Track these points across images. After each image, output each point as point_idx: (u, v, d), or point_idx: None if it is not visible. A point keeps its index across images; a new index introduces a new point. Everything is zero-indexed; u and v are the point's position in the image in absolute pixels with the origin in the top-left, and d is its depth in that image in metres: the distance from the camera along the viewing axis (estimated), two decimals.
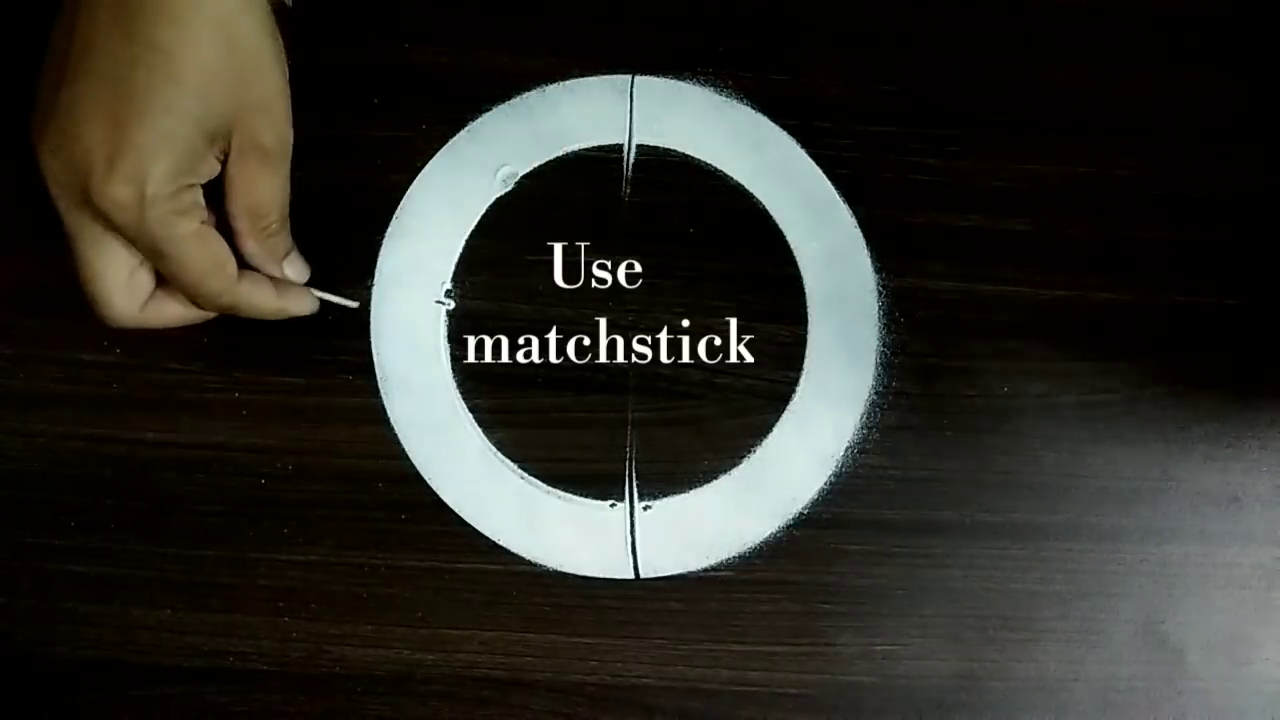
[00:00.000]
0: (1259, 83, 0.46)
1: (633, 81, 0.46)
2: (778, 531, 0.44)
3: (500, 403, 0.45)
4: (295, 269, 0.43)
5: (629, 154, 0.46)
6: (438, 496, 0.44)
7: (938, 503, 0.45)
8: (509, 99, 0.46)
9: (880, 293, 0.45)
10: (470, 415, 0.45)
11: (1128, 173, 0.46)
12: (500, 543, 0.44)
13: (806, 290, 0.45)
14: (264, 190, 0.40)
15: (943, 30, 0.46)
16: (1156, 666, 0.44)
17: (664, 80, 0.46)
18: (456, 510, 0.44)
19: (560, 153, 0.45)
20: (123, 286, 0.39)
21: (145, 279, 0.39)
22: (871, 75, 0.46)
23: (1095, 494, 0.45)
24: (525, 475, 0.45)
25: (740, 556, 0.44)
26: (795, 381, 0.45)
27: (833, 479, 0.45)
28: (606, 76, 0.46)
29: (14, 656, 0.44)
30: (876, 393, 0.45)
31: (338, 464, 0.45)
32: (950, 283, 0.45)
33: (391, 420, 0.45)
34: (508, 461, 0.45)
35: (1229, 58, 0.46)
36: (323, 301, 0.44)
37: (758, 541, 0.44)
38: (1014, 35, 0.46)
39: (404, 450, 0.45)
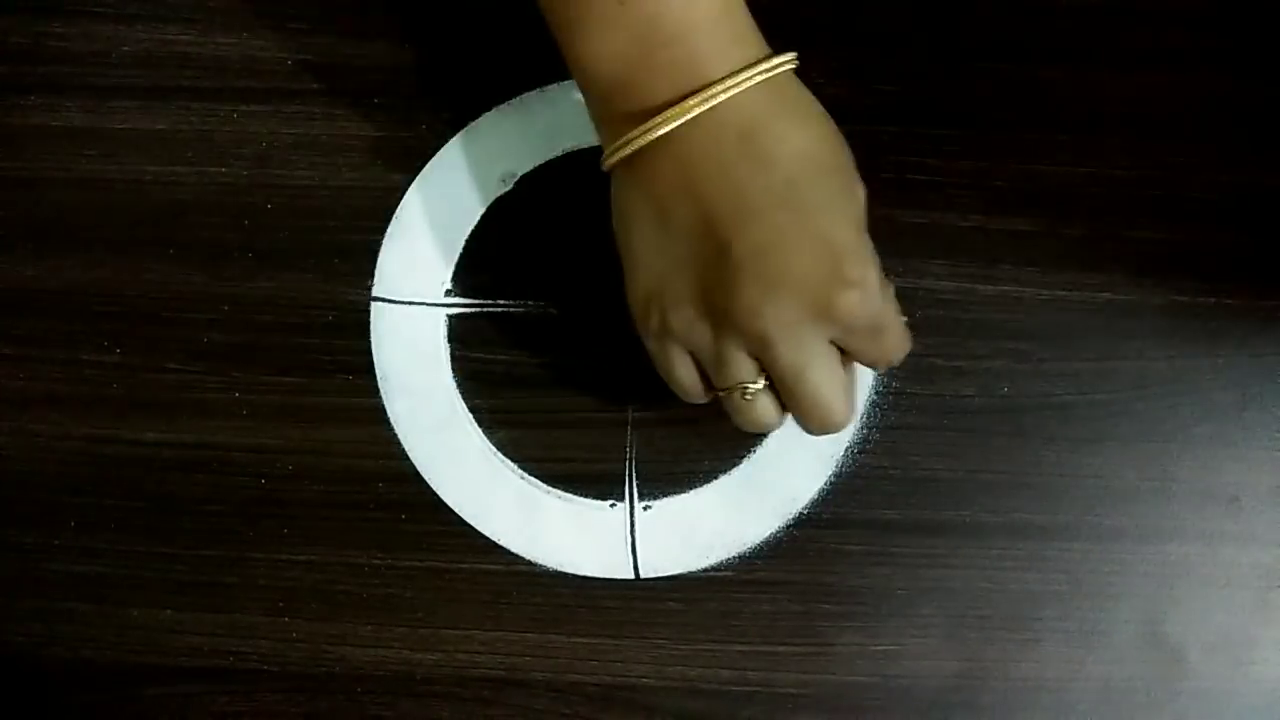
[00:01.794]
0: (1259, 83, 0.46)
1: None
2: (778, 531, 0.44)
3: (500, 403, 0.45)
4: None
5: None
6: (438, 496, 0.44)
7: (938, 503, 0.45)
8: (509, 99, 0.46)
9: None
10: (470, 415, 0.45)
11: (1128, 173, 0.46)
12: (500, 543, 0.44)
13: None
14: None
15: (943, 30, 0.46)
16: (1156, 666, 0.44)
17: None
18: (456, 510, 0.44)
19: (560, 153, 0.45)
20: (849, 390, 0.38)
21: (848, 376, 0.38)
22: (871, 75, 0.46)
23: (1095, 494, 0.45)
24: (525, 475, 0.45)
25: (740, 556, 0.44)
26: None
27: (833, 479, 0.45)
28: None
29: (14, 656, 0.44)
30: (876, 393, 0.45)
31: (338, 464, 0.45)
32: (950, 283, 0.45)
33: (391, 420, 0.45)
34: (508, 461, 0.45)
35: (1229, 58, 0.46)
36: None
37: (758, 541, 0.44)
38: (1014, 35, 0.46)
39: (404, 450, 0.45)
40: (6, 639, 0.44)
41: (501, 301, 0.45)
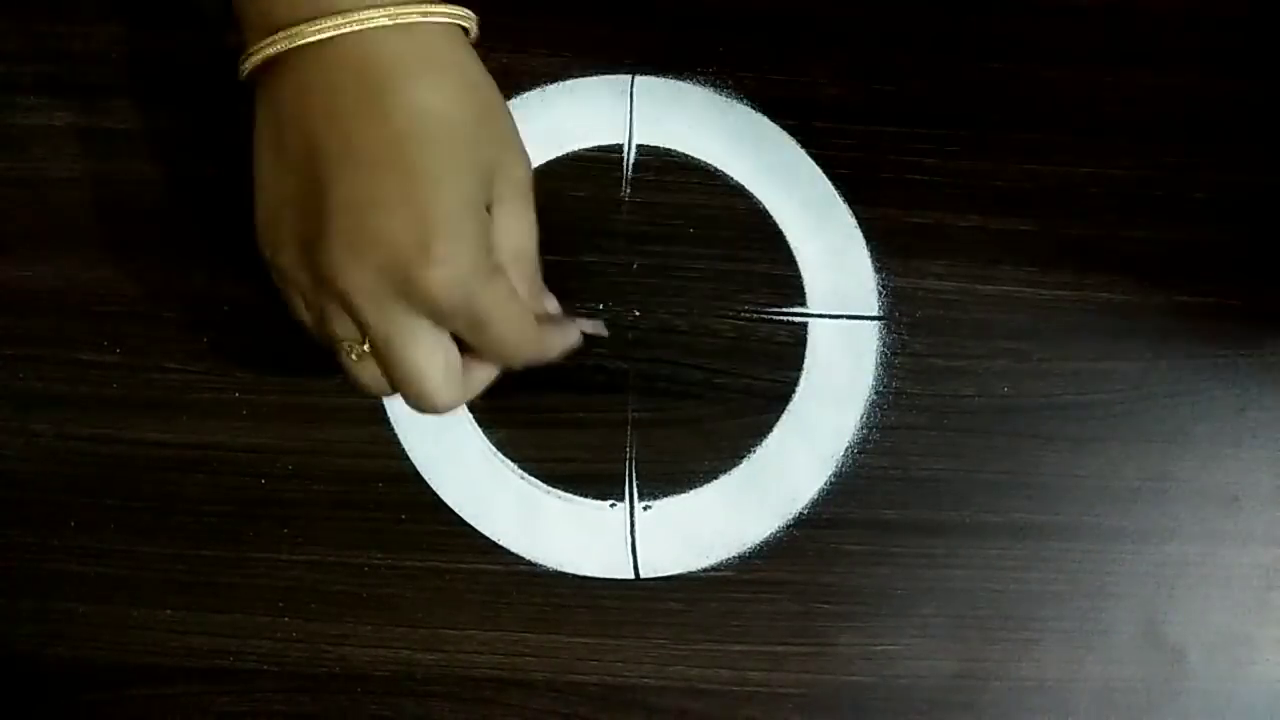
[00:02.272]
0: (1259, 83, 0.46)
1: (633, 81, 0.46)
2: (778, 531, 0.44)
3: (500, 403, 0.45)
4: (553, 302, 0.40)
5: (629, 154, 0.46)
6: (438, 496, 0.44)
7: (938, 503, 0.45)
8: (509, 99, 0.46)
9: (880, 293, 0.45)
10: (470, 415, 0.45)
11: (1128, 173, 0.46)
12: (500, 543, 0.44)
13: (806, 290, 0.45)
14: (525, 230, 0.37)
15: (943, 30, 0.46)
16: (1156, 666, 0.44)
17: (664, 80, 0.46)
18: (456, 510, 0.44)
19: (560, 153, 0.45)
20: (449, 372, 0.36)
21: (456, 357, 0.36)
22: (871, 75, 0.46)
23: (1095, 494, 0.45)
24: (525, 475, 0.45)
25: (740, 556, 0.44)
26: (795, 381, 0.45)
27: (833, 479, 0.45)
28: (606, 76, 0.46)
29: (14, 656, 0.44)
30: (876, 393, 0.45)
31: (338, 464, 0.45)
32: (950, 283, 0.45)
33: (391, 420, 0.45)
34: (508, 461, 0.45)
35: (1229, 58, 0.46)
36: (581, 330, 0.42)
37: (758, 541, 0.44)
38: (1014, 35, 0.46)
39: (404, 450, 0.45)
40: (6, 639, 0.44)
41: None
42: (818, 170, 0.45)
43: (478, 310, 0.35)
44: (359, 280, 0.34)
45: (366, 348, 0.35)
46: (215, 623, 0.44)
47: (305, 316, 0.37)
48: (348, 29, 0.33)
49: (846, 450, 0.45)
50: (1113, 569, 0.44)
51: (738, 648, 0.44)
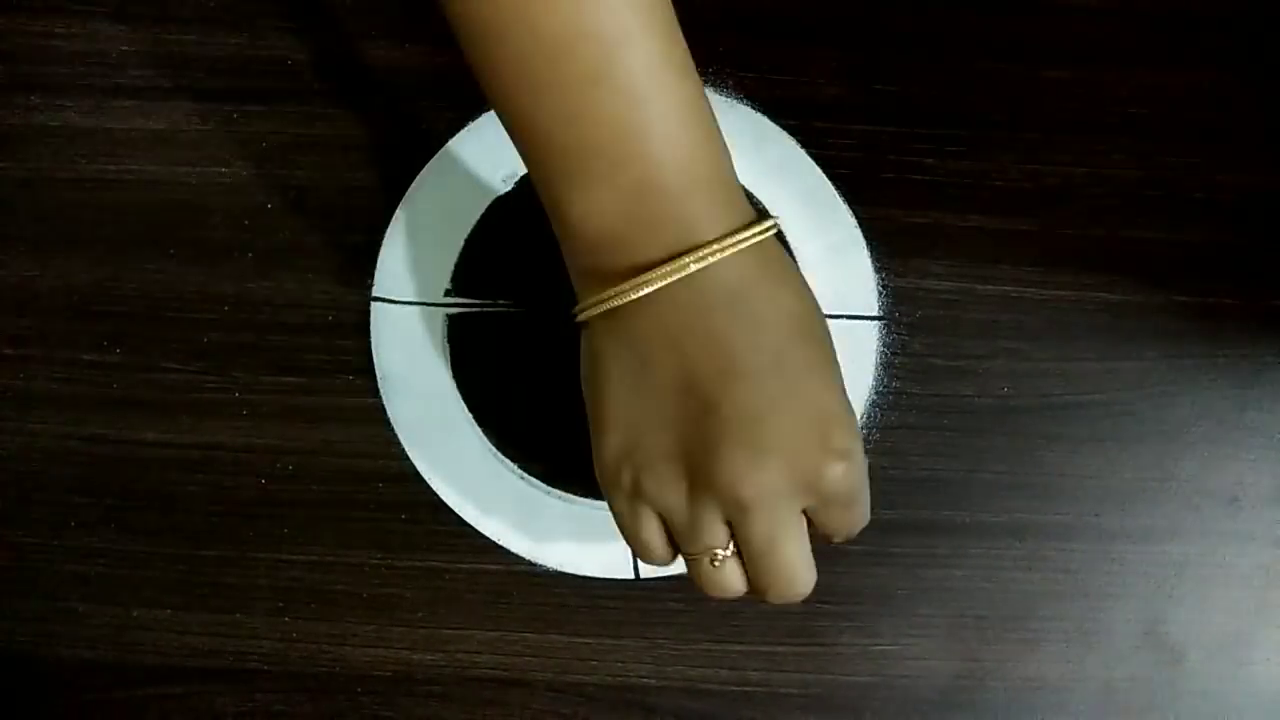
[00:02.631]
0: (1258, 83, 0.46)
1: None
2: None
3: (500, 403, 0.45)
4: None
5: None
6: (438, 496, 0.44)
7: (938, 503, 0.45)
8: None
9: (880, 293, 0.45)
10: (470, 415, 0.45)
11: (1128, 173, 0.46)
12: (500, 543, 0.44)
13: None
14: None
15: (943, 30, 0.46)
16: (1156, 666, 0.44)
17: None
18: (456, 510, 0.44)
19: None
20: (811, 559, 0.36)
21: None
22: (871, 75, 0.46)
23: (1095, 494, 0.45)
24: (525, 475, 0.45)
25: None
26: None
27: None
28: None
29: (14, 656, 0.44)
30: (876, 393, 0.45)
31: (338, 464, 0.45)
32: (950, 283, 0.45)
33: (391, 420, 0.45)
34: (508, 461, 0.45)
35: (1229, 58, 0.46)
36: None
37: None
38: (1014, 35, 0.46)
39: (404, 450, 0.45)
40: (6, 639, 0.44)
41: (501, 301, 0.45)
42: (818, 170, 0.45)
43: (858, 492, 0.35)
44: (762, 484, 0.34)
45: (729, 551, 0.36)
46: (215, 623, 0.44)
47: (654, 537, 0.36)
48: (721, 256, 0.34)
49: None
50: (1113, 569, 0.44)
51: (738, 648, 0.44)
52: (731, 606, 0.44)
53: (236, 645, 0.44)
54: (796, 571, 0.36)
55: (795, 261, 0.37)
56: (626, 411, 0.36)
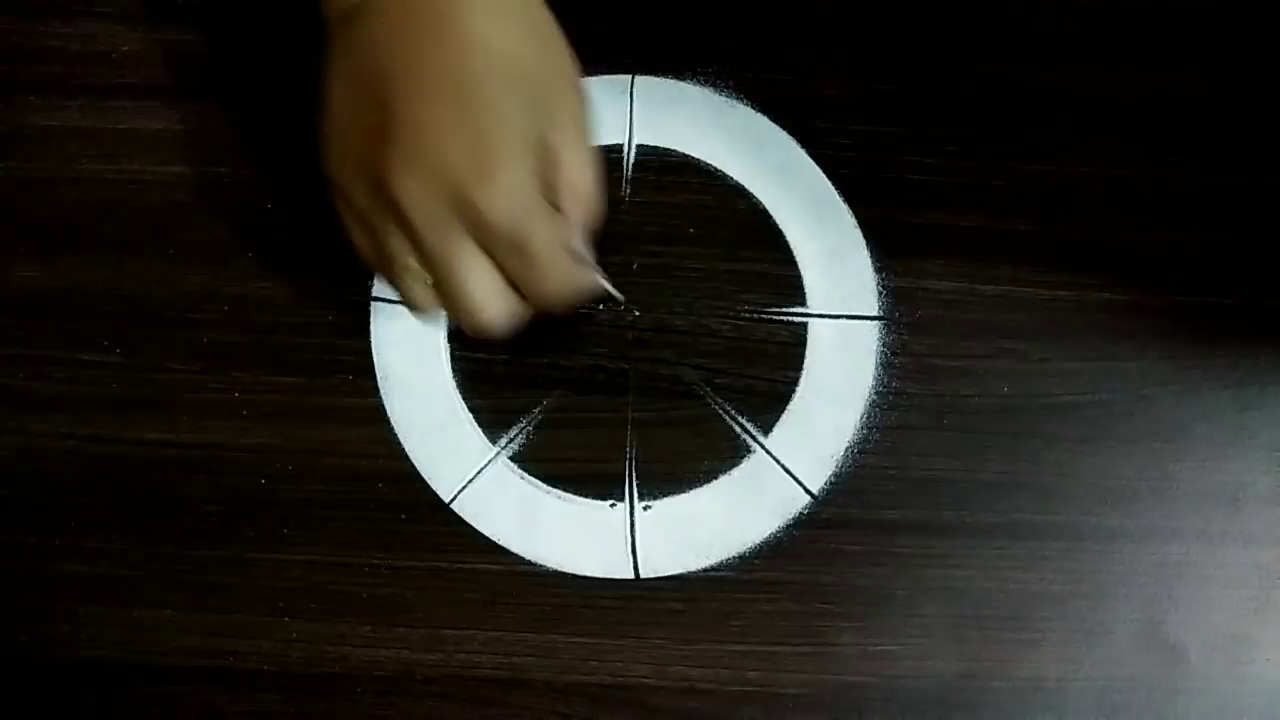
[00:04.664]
0: (1259, 83, 0.46)
1: (633, 81, 0.46)
2: (778, 531, 0.44)
3: (500, 403, 0.45)
4: (585, 248, 0.40)
5: (629, 154, 0.46)
6: (438, 496, 0.44)
7: (938, 503, 0.45)
8: None
9: (880, 293, 0.45)
10: (470, 415, 0.45)
11: (1128, 173, 0.46)
12: (500, 543, 0.44)
13: (806, 290, 0.45)
14: (580, 166, 0.38)
15: (943, 30, 0.46)
16: (1156, 666, 0.44)
17: (664, 80, 0.46)
18: (456, 510, 0.44)
19: None
20: (501, 293, 0.38)
21: (504, 283, 0.38)
22: (871, 75, 0.46)
23: (1095, 494, 0.45)
24: (525, 475, 0.45)
25: (740, 556, 0.44)
26: (795, 381, 0.45)
27: (833, 479, 0.45)
28: (606, 76, 0.46)
29: (14, 656, 0.44)
30: (876, 393, 0.45)
31: (338, 464, 0.45)
32: (950, 283, 0.45)
33: (391, 420, 0.45)
34: (508, 462, 0.45)
35: (1228, 58, 0.46)
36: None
37: (758, 541, 0.44)
38: (1014, 35, 0.46)
39: (404, 450, 0.45)
40: (6, 639, 0.44)
41: None
42: (818, 170, 0.45)
43: (526, 240, 0.36)
44: (418, 197, 0.35)
45: (415, 262, 0.37)
46: (215, 623, 0.44)
47: (360, 239, 0.39)
48: None
49: (846, 450, 0.45)
50: (1113, 569, 0.44)
51: (738, 648, 0.44)
52: (731, 607, 0.44)
53: (236, 645, 0.44)
54: (471, 297, 0.37)
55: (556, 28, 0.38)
56: (338, 105, 0.38)
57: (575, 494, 0.45)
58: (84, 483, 0.45)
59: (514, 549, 0.44)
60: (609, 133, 0.46)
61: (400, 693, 0.44)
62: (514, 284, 0.38)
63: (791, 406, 0.45)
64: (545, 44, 0.38)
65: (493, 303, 0.37)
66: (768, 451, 0.45)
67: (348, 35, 0.38)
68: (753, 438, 0.45)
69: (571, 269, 0.38)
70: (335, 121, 0.38)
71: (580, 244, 0.39)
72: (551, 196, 0.37)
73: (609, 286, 0.41)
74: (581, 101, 0.39)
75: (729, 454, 0.45)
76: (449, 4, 0.36)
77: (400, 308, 0.45)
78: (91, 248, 0.45)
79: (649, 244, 0.45)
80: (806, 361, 0.45)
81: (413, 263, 0.37)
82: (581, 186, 0.38)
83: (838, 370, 0.45)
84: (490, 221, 0.36)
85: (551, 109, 0.37)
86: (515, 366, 0.45)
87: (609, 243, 0.45)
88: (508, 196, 0.36)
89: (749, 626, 0.44)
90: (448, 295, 0.37)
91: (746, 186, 0.46)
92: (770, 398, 0.45)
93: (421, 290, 0.38)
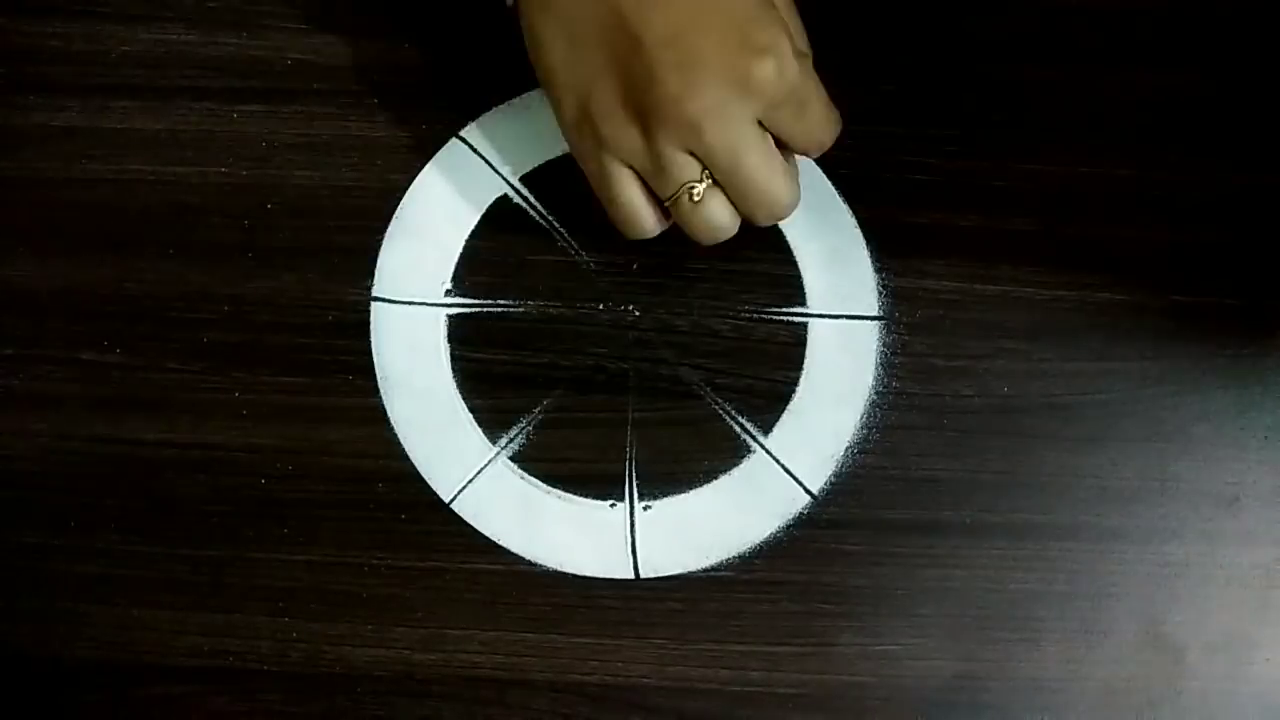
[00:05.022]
0: (1257, 82, 0.46)
1: None
2: (778, 531, 0.44)
3: (500, 403, 0.45)
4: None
5: None
6: (438, 496, 0.44)
7: (938, 503, 0.45)
8: (509, 99, 0.46)
9: (880, 293, 0.45)
10: (470, 415, 0.45)
11: (1128, 173, 0.46)
12: (500, 543, 0.44)
13: (806, 290, 0.45)
14: (800, 26, 0.40)
15: (943, 30, 0.46)
16: (1156, 666, 0.44)
17: None
18: (456, 510, 0.44)
19: (560, 153, 0.45)
20: (789, 169, 0.39)
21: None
22: (871, 75, 0.46)
23: (1095, 494, 0.45)
24: (525, 475, 0.45)
25: (740, 556, 0.44)
26: (795, 381, 0.45)
27: (833, 479, 0.45)
28: None
29: (14, 656, 0.44)
30: (876, 393, 0.45)
31: (338, 464, 0.45)
32: (950, 283, 0.45)
33: (391, 420, 0.45)
34: (508, 461, 0.45)
35: (1228, 58, 0.46)
36: None
37: (758, 541, 0.44)
38: (1013, 35, 0.46)
39: (404, 450, 0.45)
40: (6, 639, 0.44)
41: (501, 301, 0.45)
42: (818, 170, 0.45)
43: (803, 90, 0.37)
44: (702, 99, 0.36)
45: (707, 183, 0.38)
46: (215, 623, 0.44)
47: (629, 191, 0.39)
48: None
49: (846, 450, 0.45)
50: (1113, 569, 0.44)
51: (738, 648, 0.44)
52: (731, 607, 0.44)
53: (236, 645, 0.44)
54: (769, 179, 0.38)
55: None
56: (570, 73, 0.38)
57: (575, 494, 0.45)
58: (84, 483, 0.45)
59: (514, 549, 0.44)
60: None
61: (400, 693, 0.44)
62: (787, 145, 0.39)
63: (791, 406, 0.45)
64: None
65: (788, 179, 0.38)
66: (768, 451, 0.45)
67: (550, 4, 0.38)
68: (753, 438, 0.45)
69: (830, 112, 0.40)
70: (573, 87, 0.38)
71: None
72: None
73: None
74: None
75: (729, 454, 0.45)
76: None
77: (400, 309, 0.45)
78: (91, 248, 0.45)
79: (649, 244, 0.45)
80: (806, 361, 0.45)
81: (706, 183, 0.38)
82: (806, 44, 0.40)
83: (838, 370, 0.45)
84: (778, 85, 0.36)
85: None
86: (515, 366, 0.45)
87: (609, 243, 0.45)
88: (785, 55, 0.36)
89: (749, 626, 0.44)
90: (749, 190, 0.38)
91: None
92: (770, 398, 0.45)
93: (721, 206, 0.38)
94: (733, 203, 0.39)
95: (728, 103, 0.36)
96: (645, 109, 0.37)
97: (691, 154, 0.37)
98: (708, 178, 0.38)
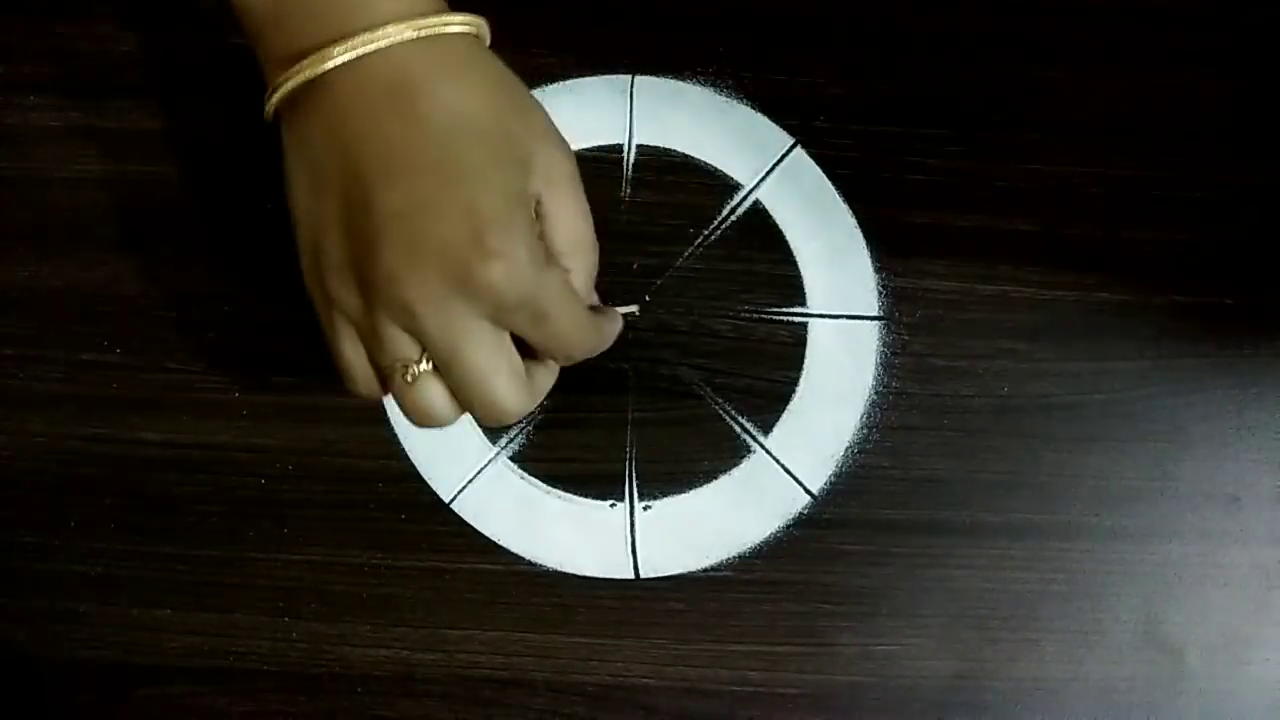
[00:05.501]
0: (1258, 83, 0.46)
1: (633, 81, 0.46)
2: (778, 531, 0.44)
3: None
4: (594, 294, 0.39)
5: (629, 154, 0.46)
6: (438, 496, 0.44)
7: (938, 503, 0.45)
8: None
9: (880, 293, 0.45)
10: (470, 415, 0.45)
11: (1128, 173, 0.46)
12: (500, 543, 0.44)
13: (806, 290, 0.45)
14: (577, 218, 0.37)
15: (943, 30, 0.46)
16: (1156, 666, 0.44)
17: (664, 80, 0.46)
18: (456, 510, 0.44)
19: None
20: (516, 374, 0.35)
21: (519, 360, 0.36)
22: (871, 75, 0.46)
23: (1095, 494, 0.45)
24: (525, 475, 0.45)
25: (740, 556, 0.44)
26: (795, 381, 0.45)
27: (833, 479, 0.45)
28: (606, 76, 0.46)
29: (14, 656, 0.44)
30: (876, 393, 0.45)
31: (338, 464, 0.45)
32: (950, 283, 0.45)
33: (391, 420, 0.45)
34: (508, 461, 0.45)
35: (1229, 58, 0.46)
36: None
37: (758, 541, 0.44)
38: (1013, 35, 0.46)
39: (404, 450, 0.45)
40: (6, 639, 0.44)
41: None
42: (818, 170, 0.45)
43: (539, 301, 0.34)
44: (418, 286, 0.33)
45: (424, 366, 0.35)
46: (215, 623, 0.44)
47: (350, 351, 0.36)
48: (375, 46, 0.34)
49: (846, 450, 0.45)
50: (1113, 569, 0.44)
51: (738, 648, 0.44)
52: (731, 607, 0.44)
53: (236, 645, 0.44)
54: (489, 382, 0.34)
55: (511, 70, 0.36)
56: (308, 217, 0.35)
57: (575, 494, 0.45)
58: (84, 483, 0.45)
59: (514, 549, 0.44)
60: (609, 133, 0.46)
61: (400, 693, 0.44)
62: (534, 350, 0.36)
63: (791, 406, 0.45)
64: (514, 100, 0.36)
65: (511, 384, 0.35)
66: (768, 451, 0.45)
67: (299, 132, 0.35)
68: (753, 438, 0.45)
69: (591, 319, 0.37)
70: (307, 229, 0.36)
71: (592, 292, 0.38)
72: (550, 250, 0.36)
73: (631, 309, 0.41)
74: (564, 150, 0.37)
75: (729, 454, 0.45)
76: (414, 84, 0.34)
77: None
78: (91, 248, 0.45)
79: (649, 244, 0.45)
80: (806, 361, 0.45)
81: (423, 365, 0.35)
82: (581, 236, 0.37)
83: (838, 370, 0.45)
84: (500, 290, 0.33)
85: (534, 164, 0.35)
86: None
87: (609, 242, 0.45)
88: (517, 263, 0.33)
89: (749, 626, 0.44)
90: (463, 388, 0.35)
91: (746, 186, 0.46)
92: (770, 398, 0.45)
93: (432, 393, 0.35)
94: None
95: (447, 296, 0.33)
96: (363, 278, 0.34)
97: (408, 331, 0.34)
98: (427, 360, 0.35)
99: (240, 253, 0.45)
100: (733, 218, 0.46)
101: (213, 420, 0.45)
